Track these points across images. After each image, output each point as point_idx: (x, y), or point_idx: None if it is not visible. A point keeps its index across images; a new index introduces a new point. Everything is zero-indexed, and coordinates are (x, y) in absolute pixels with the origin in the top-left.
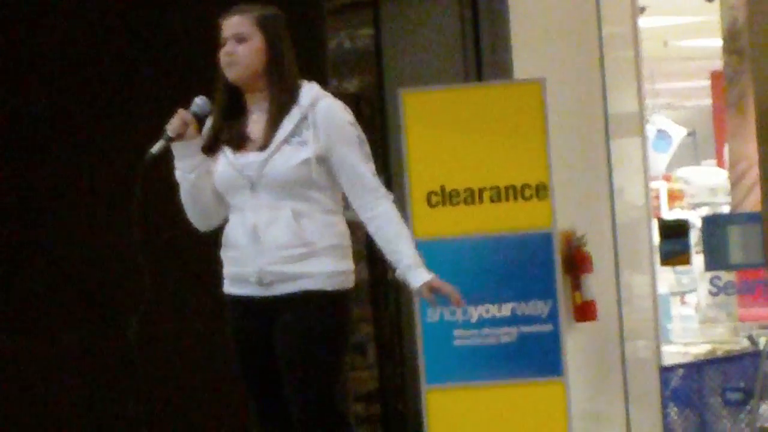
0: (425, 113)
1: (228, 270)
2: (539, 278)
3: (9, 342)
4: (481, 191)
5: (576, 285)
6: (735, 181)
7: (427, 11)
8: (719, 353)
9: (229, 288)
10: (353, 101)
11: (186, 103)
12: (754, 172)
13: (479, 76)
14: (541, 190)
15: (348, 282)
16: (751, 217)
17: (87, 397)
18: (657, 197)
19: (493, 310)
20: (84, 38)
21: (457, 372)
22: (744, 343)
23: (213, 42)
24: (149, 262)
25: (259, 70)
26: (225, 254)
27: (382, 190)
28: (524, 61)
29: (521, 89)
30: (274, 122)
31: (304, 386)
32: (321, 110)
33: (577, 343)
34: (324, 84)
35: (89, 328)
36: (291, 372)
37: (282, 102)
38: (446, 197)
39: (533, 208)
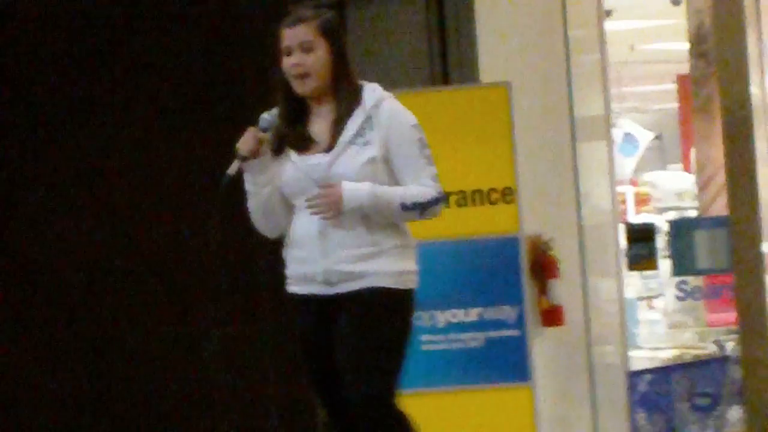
0: None
1: (293, 269)
2: (506, 283)
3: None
4: (447, 195)
5: (543, 290)
6: (702, 186)
7: (393, 15)
8: (687, 358)
9: (293, 287)
10: None
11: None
12: (721, 177)
13: (446, 80)
14: (508, 195)
15: (411, 282)
16: (718, 222)
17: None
18: (624, 201)
19: (460, 315)
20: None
21: (424, 377)
22: (711, 348)
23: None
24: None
25: (327, 78)
26: (290, 254)
27: (437, 189)
28: (490, 65)
29: (487, 93)
30: (338, 124)
31: (365, 383)
32: (384, 111)
33: (544, 348)
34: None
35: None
36: (352, 369)
37: (347, 104)
38: None
39: (500, 213)
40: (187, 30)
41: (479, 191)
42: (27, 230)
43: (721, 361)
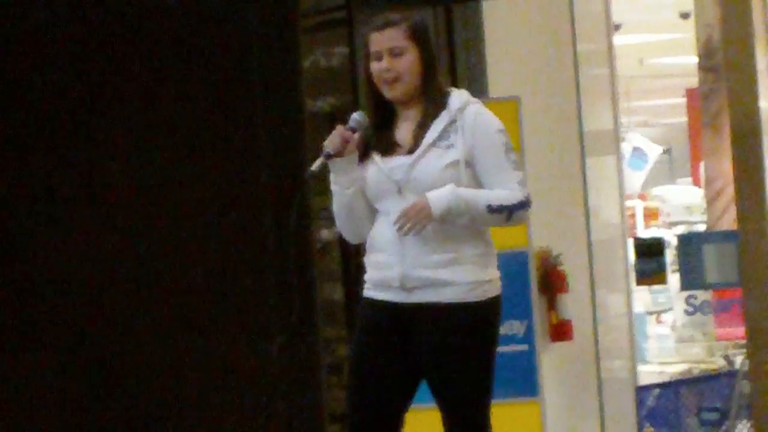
0: None
1: (371, 274)
2: (515, 298)
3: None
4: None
5: (552, 304)
6: (711, 200)
7: None
8: (695, 372)
9: (370, 292)
10: (328, 120)
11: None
12: (730, 191)
13: None
14: None
15: (492, 291)
16: (727, 236)
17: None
18: (633, 216)
19: None
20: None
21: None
22: (720, 363)
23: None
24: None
25: (416, 82)
26: (369, 259)
27: (523, 193)
28: (499, 79)
29: (496, 107)
30: (422, 126)
31: (460, 407)
32: (469, 115)
33: (552, 362)
34: (298, 103)
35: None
36: (446, 395)
37: (433, 107)
38: None
39: (508, 227)
40: (193, 47)
41: None
42: (29, 242)
43: (730, 375)
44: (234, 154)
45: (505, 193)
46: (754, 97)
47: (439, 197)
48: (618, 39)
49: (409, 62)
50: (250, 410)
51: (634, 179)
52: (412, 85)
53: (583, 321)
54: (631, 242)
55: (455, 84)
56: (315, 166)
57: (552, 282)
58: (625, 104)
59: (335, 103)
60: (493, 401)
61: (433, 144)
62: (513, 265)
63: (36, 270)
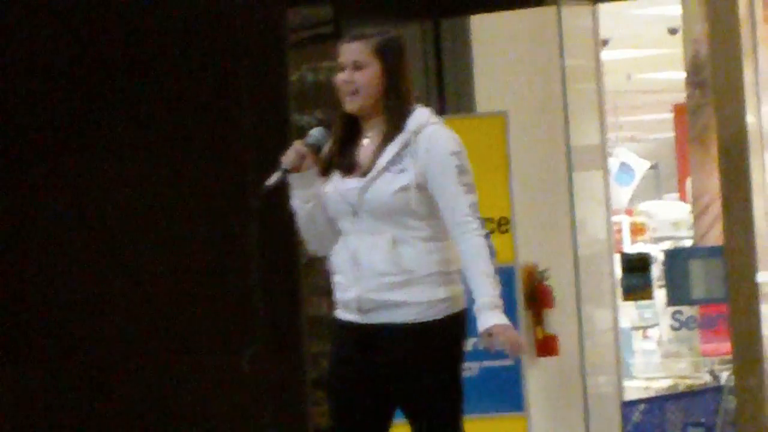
0: None
1: (336, 295)
2: None
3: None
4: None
5: (538, 320)
6: (697, 215)
7: None
8: (681, 388)
9: (337, 312)
10: None
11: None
12: (717, 206)
13: (442, 110)
14: (503, 224)
15: (453, 308)
16: (713, 252)
17: None
18: (619, 231)
19: None
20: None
21: None
22: (706, 378)
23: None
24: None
25: (377, 98)
26: (334, 279)
27: (473, 224)
28: (487, 94)
29: (484, 123)
30: (379, 148)
31: (429, 425)
32: (424, 137)
33: (538, 377)
34: (285, 117)
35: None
36: (412, 414)
37: (392, 127)
38: None
39: (495, 243)
40: (191, 63)
41: None
42: (28, 268)
43: (716, 390)
44: (222, 167)
45: (482, 254)
46: (741, 113)
47: (498, 315)
48: (606, 54)
49: (368, 76)
50: (233, 423)
51: (621, 194)
52: (371, 100)
53: (569, 336)
54: (617, 257)
55: (443, 100)
56: (271, 181)
57: (538, 297)
58: (612, 119)
59: (322, 118)
60: (480, 415)
61: (386, 168)
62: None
63: (27, 279)
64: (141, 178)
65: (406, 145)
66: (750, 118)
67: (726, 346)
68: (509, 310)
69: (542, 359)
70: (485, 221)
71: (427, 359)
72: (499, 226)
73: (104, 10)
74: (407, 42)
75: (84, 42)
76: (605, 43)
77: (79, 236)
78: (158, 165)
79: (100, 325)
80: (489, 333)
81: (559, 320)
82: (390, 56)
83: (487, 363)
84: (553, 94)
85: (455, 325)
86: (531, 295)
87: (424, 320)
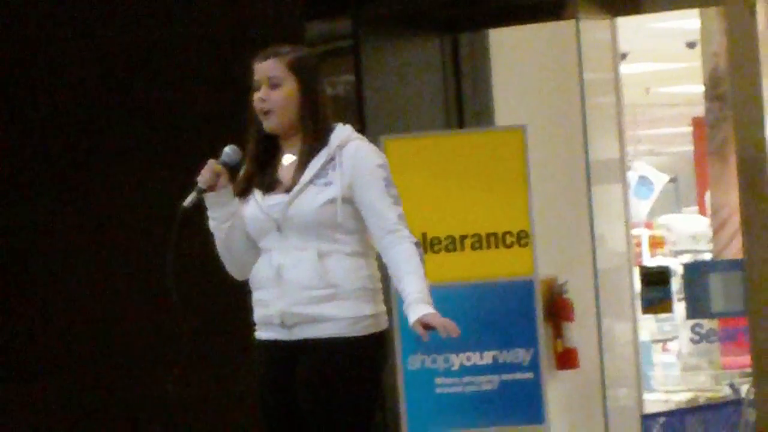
0: (407, 160)
1: (256, 313)
2: (521, 326)
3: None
4: (462, 239)
5: (557, 332)
6: (717, 229)
7: (409, 57)
8: (701, 401)
9: (258, 333)
10: None
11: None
12: (736, 220)
13: (461, 124)
14: (523, 238)
15: (375, 327)
16: (733, 265)
17: None
18: (638, 244)
19: (474, 358)
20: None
21: (438, 420)
22: (726, 391)
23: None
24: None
25: (293, 115)
26: (253, 297)
27: (405, 232)
28: (506, 108)
29: (503, 136)
30: (301, 163)
31: None
32: (348, 151)
33: (558, 390)
34: None
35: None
36: (316, 425)
37: (311, 144)
38: (428, 245)
39: (515, 256)
40: (209, 76)
41: (494, 234)
42: (35, 287)
43: (736, 404)
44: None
45: (414, 260)
46: (760, 127)
47: (428, 307)
48: (624, 68)
49: (284, 94)
50: None
51: (640, 208)
52: (288, 118)
53: (589, 349)
54: (636, 271)
55: (462, 114)
56: (187, 201)
57: (558, 310)
58: (631, 133)
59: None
60: (500, 428)
61: (311, 182)
62: (519, 294)
63: (41, 303)
64: (156, 189)
65: (330, 159)
66: None
67: (746, 359)
68: (529, 322)
69: (562, 372)
70: (505, 235)
71: (343, 374)
72: (518, 239)
73: (121, 22)
74: (420, 58)
75: (102, 53)
76: (624, 56)
77: (88, 248)
78: (174, 175)
79: (112, 337)
80: (420, 323)
81: (578, 333)
82: (305, 73)
83: (506, 376)
84: (572, 107)
85: (377, 345)
86: (551, 309)
87: (348, 335)
